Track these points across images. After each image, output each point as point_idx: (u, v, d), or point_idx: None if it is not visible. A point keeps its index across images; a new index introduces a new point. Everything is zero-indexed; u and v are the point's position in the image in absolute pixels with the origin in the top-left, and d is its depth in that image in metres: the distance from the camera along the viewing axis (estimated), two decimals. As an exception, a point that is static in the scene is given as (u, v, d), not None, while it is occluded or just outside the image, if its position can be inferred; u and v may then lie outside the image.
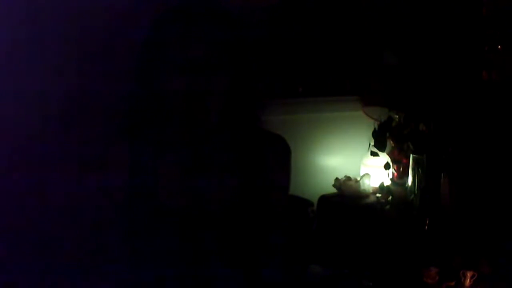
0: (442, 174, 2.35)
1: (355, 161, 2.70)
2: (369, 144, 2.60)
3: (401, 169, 2.61)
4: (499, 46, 2.33)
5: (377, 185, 2.60)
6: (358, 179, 2.55)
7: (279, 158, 1.43)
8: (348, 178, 2.56)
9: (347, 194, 2.52)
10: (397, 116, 2.57)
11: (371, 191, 2.57)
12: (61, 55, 1.94)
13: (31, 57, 1.90)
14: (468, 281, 2.06)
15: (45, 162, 1.93)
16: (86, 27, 1.95)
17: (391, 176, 2.62)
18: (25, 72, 1.89)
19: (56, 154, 1.94)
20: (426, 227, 2.34)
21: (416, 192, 2.43)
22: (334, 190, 2.56)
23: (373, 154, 2.60)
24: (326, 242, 2.42)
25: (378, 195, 2.58)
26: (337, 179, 2.57)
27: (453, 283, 2.09)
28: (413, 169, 2.45)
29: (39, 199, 1.93)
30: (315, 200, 2.49)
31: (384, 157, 2.62)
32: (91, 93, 1.97)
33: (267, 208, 1.40)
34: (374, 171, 2.61)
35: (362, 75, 2.69)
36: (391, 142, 2.61)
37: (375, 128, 2.59)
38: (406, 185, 2.51)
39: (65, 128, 1.97)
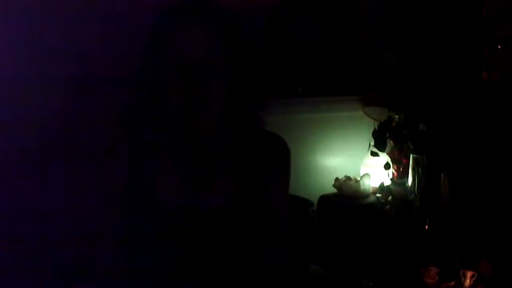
0: (442, 174, 2.35)
1: (355, 161, 2.70)
2: (369, 144, 2.60)
3: (401, 169, 2.61)
4: (499, 46, 2.33)
5: (377, 185, 2.60)
6: (358, 179, 2.55)
7: (278, 159, 1.43)
8: (348, 178, 2.56)
9: (347, 194, 2.51)
10: (397, 116, 2.57)
11: (371, 191, 2.57)
12: (62, 52, 1.94)
13: (31, 54, 1.90)
14: (468, 281, 2.06)
15: (44, 160, 1.94)
16: (86, 27, 1.96)
17: (391, 176, 2.62)
18: (25, 69, 1.90)
19: (56, 152, 1.95)
20: (426, 227, 2.34)
21: (416, 192, 2.43)
22: (334, 190, 2.56)
23: (373, 154, 2.60)
24: (327, 242, 2.42)
25: (378, 195, 2.58)
26: (337, 179, 2.56)
27: (453, 283, 2.09)
28: (413, 169, 2.45)
29: (37, 196, 1.93)
30: (315, 200, 2.49)
31: (384, 157, 2.62)
32: (92, 93, 1.97)
33: (267, 209, 1.40)
34: (374, 171, 2.61)
35: (362, 75, 2.69)
36: (391, 142, 2.61)
37: (375, 128, 2.59)
38: (406, 185, 2.51)
39: (65, 127, 1.98)
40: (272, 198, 1.41)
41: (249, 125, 1.41)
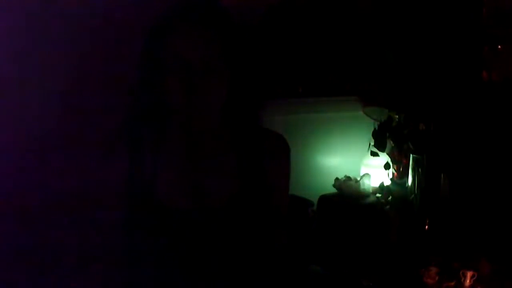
0: (442, 174, 2.36)
1: (355, 161, 2.70)
2: (369, 144, 2.60)
3: (401, 169, 2.62)
4: (499, 46, 2.33)
5: (377, 185, 2.60)
6: (358, 179, 2.56)
7: (278, 157, 1.43)
8: (348, 178, 2.56)
9: (347, 194, 2.52)
10: (397, 116, 2.57)
11: (371, 191, 2.57)
12: (61, 56, 1.94)
13: (32, 52, 1.90)
14: (468, 281, 2.06)
15: (44, 160, 1.94)
16: (86, 29, 1.96)
17: (391, 176, 2.62)
18: (25, 66, 1.90)
19: (56, 152, 1.94)
20: (426, 227, 2.34)
21: (416, 192, 2.43)
22: (334, 190, 2.56)
23: (373, 154, 2.60)
24: (326, 242, 2.42)
25: (378, 195, 2.58)
26: (337, 179, 2.56)
27: (453, 283, 2.09)
28: (413, 169, 2.45)
29: (37, 197, 1.93)
30: (315, 200, 2.49)
31: (384, 157, 2.62)
32: (92, 94, 1.97)
33: (267, 207, 1.40)
34: (374, 171, 2.61)
35: (362, 75, 2.69)
36: (391, 142, 2.61)
37: (375, 128, 2.59)
38: (406, 185, 2.51)
39: (65, 128, 1.98)
40: (272, 195, 1.41)
41: (249, 124, 1.41)
